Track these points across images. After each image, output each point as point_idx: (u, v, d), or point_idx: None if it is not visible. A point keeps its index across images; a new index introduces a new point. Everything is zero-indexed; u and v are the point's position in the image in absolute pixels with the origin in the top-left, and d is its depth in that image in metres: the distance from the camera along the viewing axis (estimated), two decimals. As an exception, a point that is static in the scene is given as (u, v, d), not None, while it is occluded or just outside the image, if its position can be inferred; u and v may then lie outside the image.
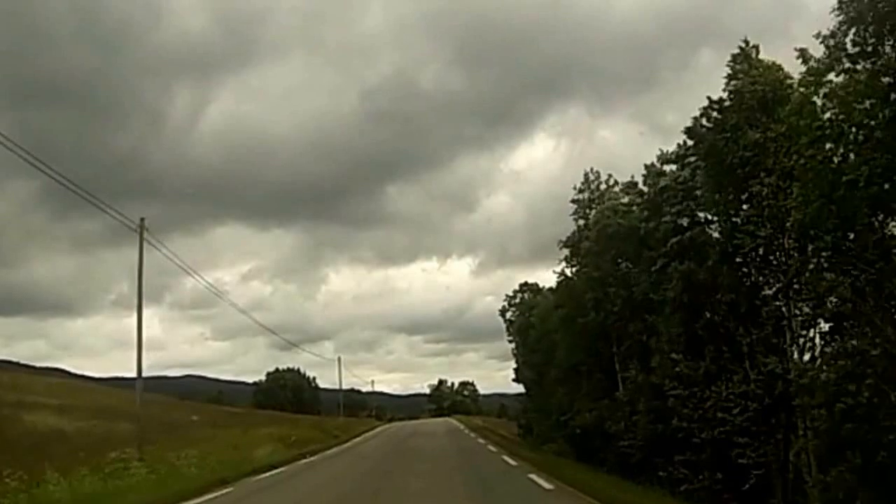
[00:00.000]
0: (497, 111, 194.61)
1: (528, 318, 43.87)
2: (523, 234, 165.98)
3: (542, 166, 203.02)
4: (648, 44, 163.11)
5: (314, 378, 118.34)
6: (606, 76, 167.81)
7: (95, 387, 59.99)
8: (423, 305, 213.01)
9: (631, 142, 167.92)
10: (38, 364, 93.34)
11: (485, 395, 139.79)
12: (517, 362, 53.22)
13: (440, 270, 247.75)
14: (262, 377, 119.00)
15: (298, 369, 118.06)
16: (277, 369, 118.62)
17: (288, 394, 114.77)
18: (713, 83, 21.21)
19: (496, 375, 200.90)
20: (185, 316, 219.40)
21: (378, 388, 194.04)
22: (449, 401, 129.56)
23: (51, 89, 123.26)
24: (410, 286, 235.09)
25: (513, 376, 59.03)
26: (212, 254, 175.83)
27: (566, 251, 33.01)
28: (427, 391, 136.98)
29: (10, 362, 67.55)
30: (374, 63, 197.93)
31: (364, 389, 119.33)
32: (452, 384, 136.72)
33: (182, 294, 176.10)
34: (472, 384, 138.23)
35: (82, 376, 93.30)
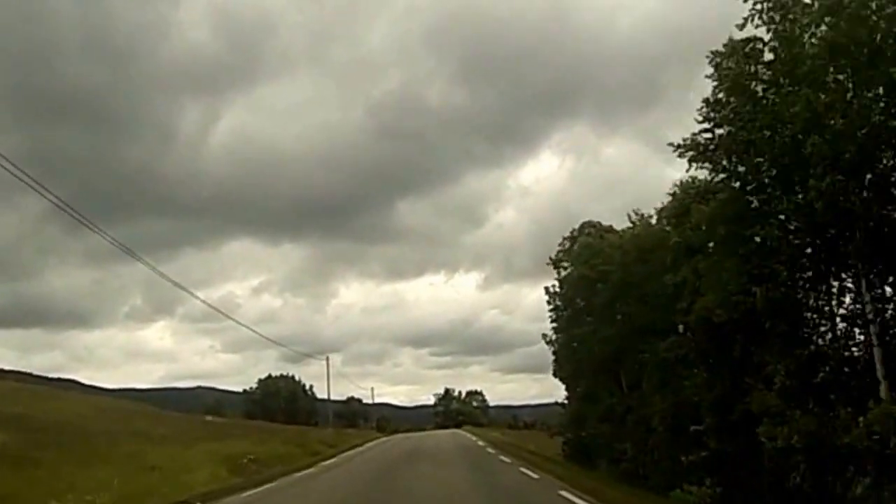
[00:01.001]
0: (502, 128, 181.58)
1: (599, 267, 26.12)
2: (529, 249, 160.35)
3: (548, 183, 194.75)
4: (652, 61, 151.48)
5: (311, 386, 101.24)
6: (610, 94, 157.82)
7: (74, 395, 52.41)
8: (430, 319, 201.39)
9: (634, 159, 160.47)
10: (51, 375, 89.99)
11: (492, 407, 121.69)
12: (556, 349, 35.32)
13: (447, 284, 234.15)
14: (254, 384, 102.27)
15: (293, 376, 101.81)
16: (270, 376, 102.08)
17: (281, 403, 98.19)
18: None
19: (501, 388, 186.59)
20: (196, 329, 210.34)
21: (385, 399, 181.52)
22: (456, 411, 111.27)
23: (62, 104, 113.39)
24: (418, 300, 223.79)
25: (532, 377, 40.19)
26: (224, 267, 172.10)
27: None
28: (433, 402, 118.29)
29: (24, 373, 65.84)
30: (380, 79, 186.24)
31: (368, 400, 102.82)
32: (460, 393, 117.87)
33: (193, 307, 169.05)
34: (481, 393, 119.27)
35: (94, 387, 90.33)
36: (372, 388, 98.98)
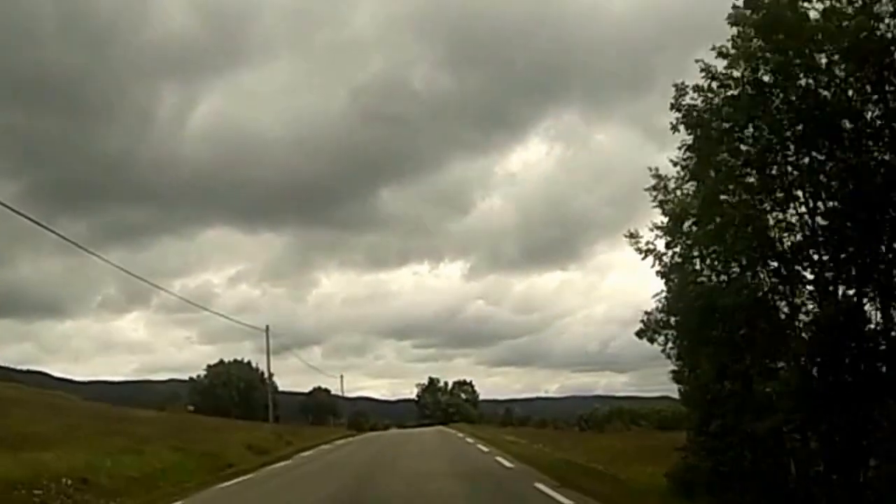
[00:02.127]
0: (490, 114, 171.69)
1: None
2: (516, 238, 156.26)
3: (536, 170, 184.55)
4: (644, 45, 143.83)
5: (271, 375, 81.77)
6: (601, 79, 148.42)
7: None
8: (413, 309, 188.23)
9: (626, 146, 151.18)
10: (20, 367, 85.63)
11: (481, 401, 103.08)
12: (671, 268, 13.16)
13: (431, 274, 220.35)
14: (203, 371, 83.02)
15: (249, 362, 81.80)
16: (222, 362, 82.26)
17: (232, 393, 78.48)
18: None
19: (487, 382, 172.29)
20: (172, 319, 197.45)
21: (365, 392, 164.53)
22: (444, 404, 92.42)
23: (36, 87, 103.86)
24: (401, 290, 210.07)
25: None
26: (201, 256, 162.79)
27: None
28: (415, 396, 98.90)
29: (-8, 365, 61.53)
30: (364, 63, 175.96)
31: (349, 392, 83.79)
32: (446, 384, 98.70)
33: (169, 297, 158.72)
34: (471, 384, 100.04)
35: (64, 380, 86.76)
36: (342, 376, 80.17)
